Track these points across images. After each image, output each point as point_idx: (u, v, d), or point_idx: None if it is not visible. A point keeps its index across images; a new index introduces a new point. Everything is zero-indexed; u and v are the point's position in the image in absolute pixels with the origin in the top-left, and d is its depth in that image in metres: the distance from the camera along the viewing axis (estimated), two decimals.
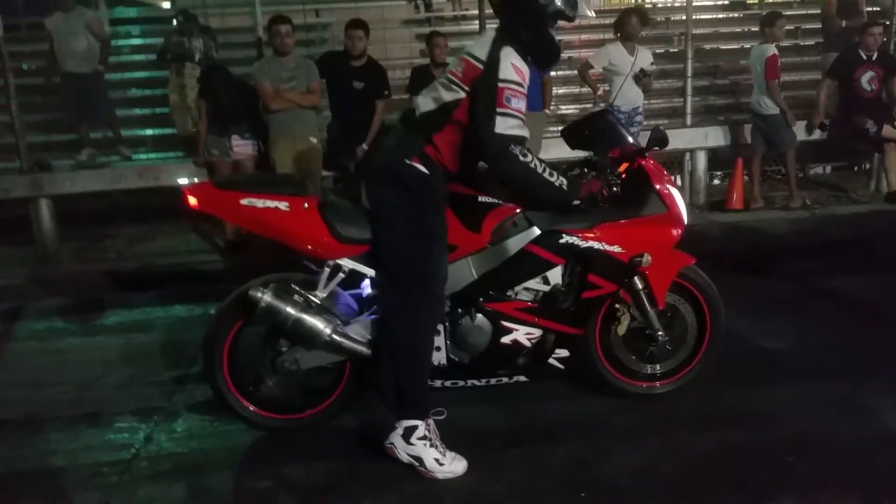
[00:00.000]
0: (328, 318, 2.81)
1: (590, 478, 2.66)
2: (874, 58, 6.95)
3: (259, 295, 2.72)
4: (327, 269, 2.84)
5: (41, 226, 6.57)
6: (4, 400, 3.54)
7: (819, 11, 8.80)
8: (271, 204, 2.76)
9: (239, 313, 2.89)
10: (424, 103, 2.79)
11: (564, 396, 3.27)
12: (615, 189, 2.96)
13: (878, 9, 8.65)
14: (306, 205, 2.81)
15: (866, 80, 6.93)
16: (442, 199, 2.77)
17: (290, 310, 2.74)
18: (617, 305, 3.10)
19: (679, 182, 7.93)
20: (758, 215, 6.92)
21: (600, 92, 6.80)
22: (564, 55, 9.40)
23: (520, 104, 2.58)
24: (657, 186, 2.97)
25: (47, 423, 3.25)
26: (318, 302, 2.84)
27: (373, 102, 6.26)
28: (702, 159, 7.47)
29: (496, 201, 2.84)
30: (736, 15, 11.38)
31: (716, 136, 7.46)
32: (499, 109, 2.54)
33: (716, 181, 8.34)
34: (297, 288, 2.82)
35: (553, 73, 7.20)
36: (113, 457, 2.96)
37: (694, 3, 7.97)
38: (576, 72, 7.20)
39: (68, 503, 2.67)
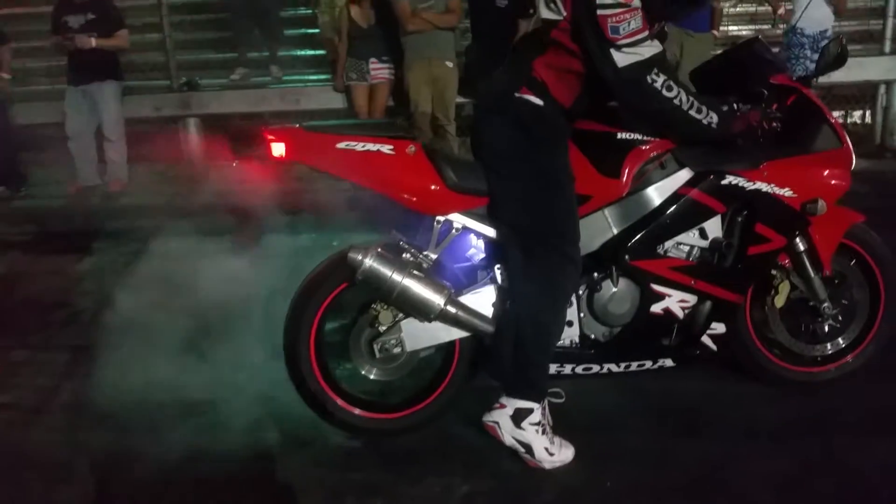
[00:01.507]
0: (441, 286, 2.36)
1: (718, 483, 2.25)
2: None
3: (359, 257, 2.29)
4: (437, 226, 2.40)
5: (189, 144, 6.76)
6: None
7: None
8: (372, 147, 2.34)
9: (330, 284, 2.46)
10: (531, 23, 2.37)
11: (710, 383, 2.77)
12: (775, 124, 2.44)
13: None
14: (412, 148, 2.40)
15: None
16: (564, 135, 2.33)
17: (396, 276, 2.29)
18: (774, 272, 2.59)
19: (870, 120, 6.89)
20: None
21: (781, 10, 5.93)
22: None
23: (632, 25, 2.08)
24: (828, 116, 2.48)
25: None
26: (429, 265, 2.38)
27: (516, 22, 5.77)
28: None
29: (638, 137, 2.36)
30: None
31: None
32: (609, 43, 2.09)
33: None
34: (406, 246, 2.42)
35: None
36: None
37: None
38: None
39: None
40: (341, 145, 2.34)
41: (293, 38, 8.29)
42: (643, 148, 2.36)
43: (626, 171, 2.35)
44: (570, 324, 2.44)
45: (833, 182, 2.46)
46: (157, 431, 2.58)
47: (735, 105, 2.38)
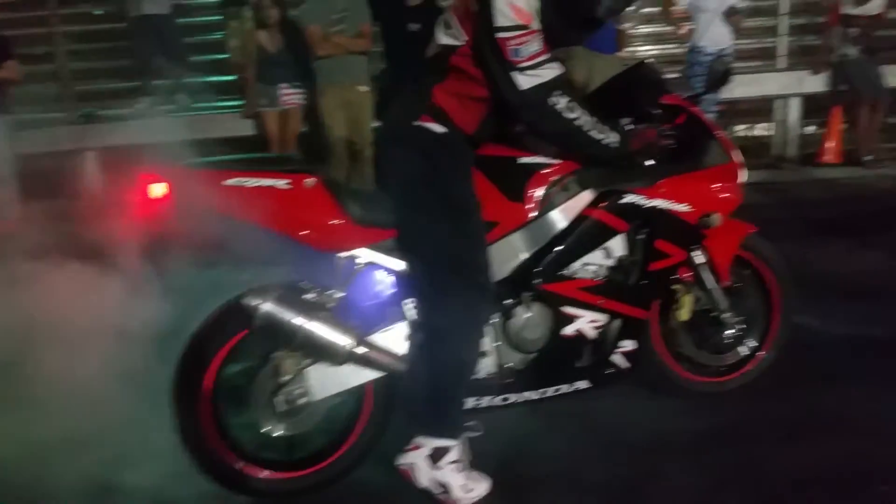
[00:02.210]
0: (348, 326, 2.21)
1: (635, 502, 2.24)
2: None
3: (257, 302, 2.11)
4: (341, 263, 2.26)
5: (88, 179, 6.43)
6: None
7: None
8: (265, 182, 2.16)
9: (225, 334, 2.25)
10: (430, 48, 2.32)
11: (622, 400, 2.74)
12: (670, 141, 2.47)
13: None
14: (311, 181, 2.25)
15: None
16: (467, 163, 2.29)
17: (298, 319, 2.13)
18: (676, 286, 2.64)
19: (769, 132, 7.21)
20: (855, 171, 6.16)
21: (684, 31, 6.15)
22: None
23: (533, 47, 2.06)
24: (716, 132, 2.58)
25: None
26: (333, 307, 2.22)
27: (429, 45, 5.77)
28: (795, 107, 6.70)
29: (540, 161, 2.36)
30: None
31: (812, 82, 6.64)
32: (510, 66, 2.07)
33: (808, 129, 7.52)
34: (308, 287, 2.25)
35: (632, 9, 6.53)
36: None
37: None
38: (658, 8, 6.52)
39: None
40: (230, 182, 2.15)
41: (201, 64, 8.11)
42: (546, 171, 2.36)
43: (531, 195, 2.34)
44: (486, 354, 2.37)
45: (725, 195, 2.54)
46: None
47: (632, 125, 2.42)
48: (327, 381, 2.27)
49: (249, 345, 2.28)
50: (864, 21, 6.22)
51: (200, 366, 2.22)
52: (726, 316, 2.66)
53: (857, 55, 6.26)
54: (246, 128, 6.30)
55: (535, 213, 2.36)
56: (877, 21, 6.31)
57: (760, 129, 7.50)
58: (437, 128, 2.21)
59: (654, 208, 2.43)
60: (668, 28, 6.74)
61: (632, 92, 2.51)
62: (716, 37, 5.83)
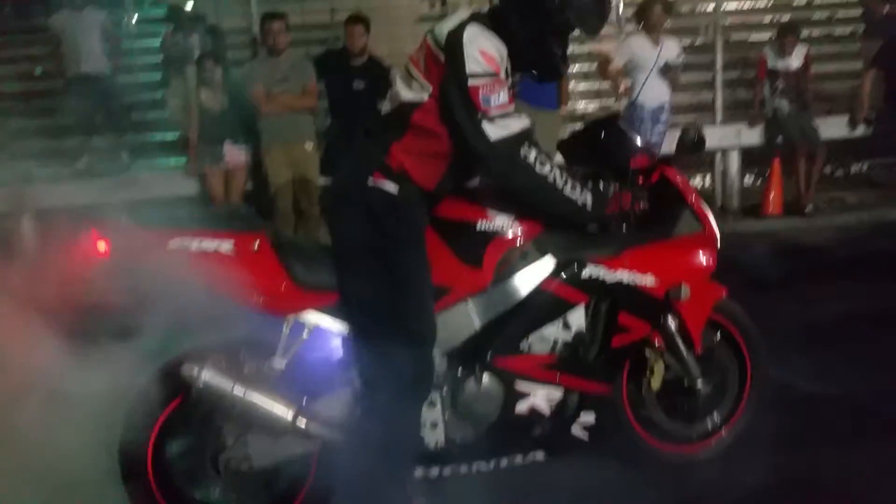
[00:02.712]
0: (290, 396, 2.16)
1: None
2: None
3: (194, 372, 2.06)
4: (286, 328, 2.19)
5: (24, 243, 6.17)
6: None
7: None
8: (209, 245, 2.11)
9: (166, 398, 2.18)
10: (385, 103, 2.25)
11: (584, 472, 2.55)
12: (643, 204, 2.39)
13: None
14: (256, 243, 2.19)
15: None
16: (419, 227, 2.21)
17: (238, 388, 2.08)
18: (647, 353, 2.54)
19: (710, 184, 7.38)
20: (798, 222, 6.32)
21: (622, 88, 6.25)
22: (584, 49, 8.90)
23: (501, 97, 2.04)
24: (688, 199, 2.46)
25: None
26: (276, 374, 2.18)
27: (375, 103, 5.76)
28: (735, 159, 6.88)
29: (499, 226, 2.27)
30: (766, 4, 10.82)
31: (750, 134, 6.83)
32: (480, 115, 2.03)
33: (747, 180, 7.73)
34: (247, 358, 2.19)
35: (572, 69, 6.68)
36: None
37: None
38: (595, 66, 6.66)
39: None
40: (174, 244, 2.10)
41: (142, 122, 7.95)
42: (505, 237, 2.28)
43: (488, 261, 2.25)
44: (435, 425, 2.29)
45: (696, 266, 2.43)
46: None
47: (607, 187, 2.34)
48: (269, 450, 2.19)
49: (188, 411, 2.20)
50: (789, 75, 6.46)
51: (140, 436, 2.17)
52: (698, 384, 2.56)
53: (789, 108, 6.49)
54: (189, 187, 6.14)
55: (491, 281, 2.27)
56: (802, 75, 6.56)
57: (701, 182, 7.69)
58: (391, 187, 2.14)
59: (617, 281, 2.32)
60: (606, 84, 6.87)
61: (606, 146, 2.45)
62: (654, 93, 5.90)
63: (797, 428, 2.83)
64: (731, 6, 9.81)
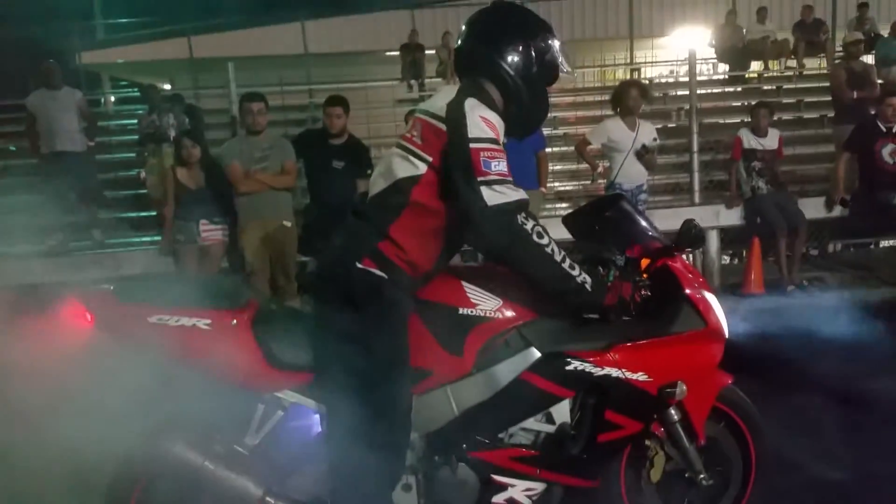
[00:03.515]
0: (261, 473, 2.14)
1: None
2: (894, 130, 6.47)
3: (166, 447, 2.08)
4: (261, 407, 2.20)
5: None
6: None
7: (826, 84, 8.48)
8: (188, 322, 2.11)
9: (139, 474, 2.19)
10: (375, 183, 2.19)
11: None
12: (645, 293, 2.27)
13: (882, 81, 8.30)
14: (234, 321, 2.16)
15: (888, 152, 6.44)
16: (404, 314, 2.12)
17: (208, 464, 2.08)
18: (647, 442, 2.41)
19: (692, 263, 7.38)
20: (780, 300, 6.28)
21: (600, 169, 6.32)
22: (560, 131, 9.07)
23: (501, 165, 2.01)
24: (689, 294, 2.32)
25: None
26: (247, 452, 2.17)
27: (354, 183, 5.75)
28: (714, 239, 6.90)
29: (481, 314, 2.18)
30: (736, 89, 11.19)
31: (728, 215, 6.88)
32: (480, 179, 1.97)
33: (725, 260, 7.74)
34: (220, 434, 2.18)
35: (549, 150, 6.76)
36: None
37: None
38: (572, 147, 6.74)
39: None
40: (153, 319, 2.10)
41: (118, 200, 7.90)
42: (487, 324, 2.18)
43: (469, 348, 2.16)
44: None
45: (694, 364, 2.32)
46: None
47: (607, 273, 2.25)
48: None
49: (161, 488, 2.17)
50: (765, 155, 6.56)
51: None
52: (701, 476, 2.42)
53: (767, 188, 6.56)
54: (162, 265, 6.02)
55: (472, 369, 2.17)
56: (777, 156, 6.67)
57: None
58: (378, 273, 2.07)
59: (604, 377, 2.21)
60: (583, 165, 6.93)
61: (603, 229, 2.39)
62: (631, 174, 5.92)
63: None
64: (703, 91, 10.16)
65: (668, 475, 2.44)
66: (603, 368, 2.19)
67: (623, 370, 2.20)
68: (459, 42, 2.29)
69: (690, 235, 2.33)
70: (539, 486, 2.25)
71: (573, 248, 2.51)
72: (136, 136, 7.78)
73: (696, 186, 7.06)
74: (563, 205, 7.96)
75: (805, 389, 4.02)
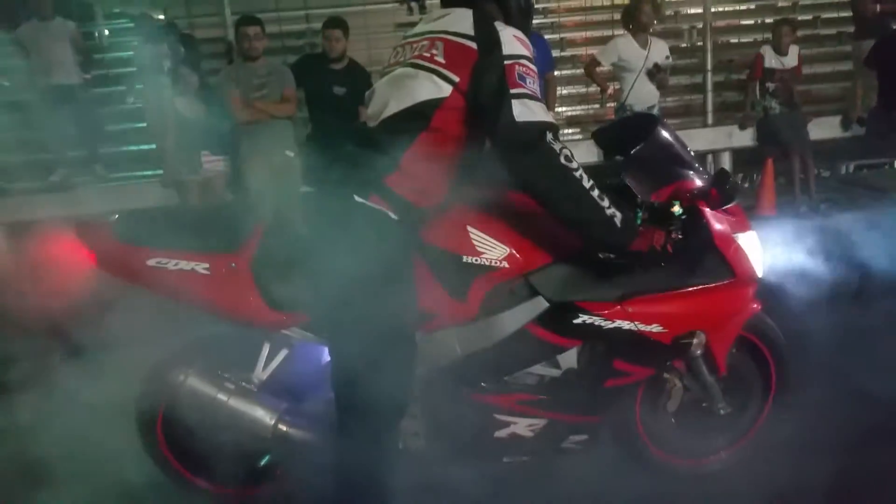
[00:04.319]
0: (270, 405, 2.24)
1: None
2: None
3: (180, 379, 2.19)
4: (267, 345, 2.28)
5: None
6: None
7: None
8: (186, 266, 2.10)
9: (158, 400, 2.32)
10: (385, 106, 2.00)
11: (580, 480, 2.44)
12: (676, 236, 2.06)
13: None
14: (233, 264, 2.12)
15: None
16: (411, 253, 2.03)
17: (221, 395, 2.21)
18: (666, 374, 2.36)
19: None
20: (792, 222, 6.17)
21: (610, 90, 6.13)
22: (567, 53, 8.79)
23: (534, 84, 1.89)
24: (719, 244, 2.19)
25: None
26: (256, 389, 2.28)
27: (356, 109, 5.60)
28: (727, 161, 6.77)
29: (486, 262, 2.07)
30: (750, 7, 10.77)
31: (741, 136, 6.72)
32: (513, 91, 1.84)
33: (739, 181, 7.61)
34: (226, 375, 2.26)
35: (556, 73, 6.54)
36: None
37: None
38: (581, 70, 6.52)
39: None
40: (152, 262, 2.11)
41: (118, 133, 7.77)
42: (492, 274, 2.09)
43: (473, 295, 2.09)
44: (417, 435, 2.23)
45: (717, 314, 2.22)
46: None
47: (636, 215, 2.08)
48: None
49: (181, 412, 2.28)
50: (784, 74, 6.35)
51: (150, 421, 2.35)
52: (719, 407, 2.39)
53: (780, 108, 6.38)
54: (166, 197, 5.96)
55: (477, 315, 2.10)
56: (796, 74, 6.47)
57: None
58: (385, 212, 1.94)
59: (615, 329, 2.11)
60: (593, 88, 6.74)
61: (631, 166, 2.21)
62: (642, 95, 5.75)
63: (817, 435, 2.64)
64: (718, 9, 9.78)
65: (685, 403, 2.41)
66: (614, 321, 2.11)
67: (636, 322, 2.12)
68: None
69: (724, 191, 2.13)
70: (542, 422, 2.22)
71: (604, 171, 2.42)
72: (131, 68, 7.59)
73: (710, 107, 6.86)
74: (571, 130, 7.79)
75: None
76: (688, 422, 2.48)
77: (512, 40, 1.91)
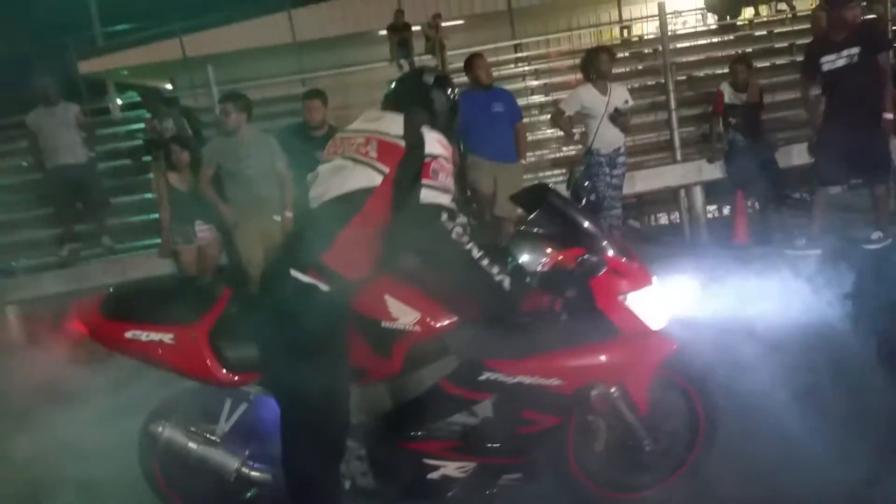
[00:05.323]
0: (234, 453, 2.59)
1: None
2: None
3: (159, 430, 2.55)
4: (229, 400, 2.63)
5: (9, 333, 6.32)
6: None
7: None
8: (155, 337, 2.50)
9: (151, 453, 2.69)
10: (324, 189, 2.35)
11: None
12: (570, 295, 2.37)
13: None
14: (194, 334, 2.50)
15: None
16: (343, 322, 2.35)
17: (192, 444, 2.56)
18: (590, 417, 2.55)
19: (678, 219, 7.49)
20: (765, 250, 6.34)
21: (576, 136, 6.41)
22: (551, 97, 9.11)
23: (447, 180, 2.26)
24: (603, 308, 2.44)
25: None
26: (219, 440, 2.62)
27: None
28: (698, 195, 6.99)
29: (401, 327, 2.36)
30: (728, 37, 11.09)
31: (710, 169, 6.96)
32: (424, 181, 2.23)
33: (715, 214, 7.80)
34: (194, 430, 2.62)
35: (543, 117, 6.83)
36: None
37: (679, 32, 7.64)
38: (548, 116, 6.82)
39: None
40: (129, 335, 2.51)
41: (126, 205, 8.16)
42: (409, 334, 2.36)
43: (397, 353, 2.38)
44: (365, 475, 2.51)
45: (615, 366, 2.42)
46: None
47: (531, 280, 2.35)
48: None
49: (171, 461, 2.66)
50: (745, 110, 6.61)
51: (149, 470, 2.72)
52: (645, 443, 2.55)
53: (744, 141, 6.62)
54: (163, 267, 6.29)
55: (401, 370, 2.40)
56: (757, 108, 6.71)
57: (668, 219, 7.80)
58: (322, 286, 2.26)
59: (517, 384, 2.37)
60: (560, 133, 6.98)
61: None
62: (607, 138, 5.99)
63: (748, 465, 2.78)
64: (690, 43, 10.10)
65: (613, 442, 2.58)
66: (516, 377, 2.36)
67: (536, 377, 2.36)
68: (396, 84, 2.57)
69: (590, 265, 2.44)
70: (471, 465, 2.48)
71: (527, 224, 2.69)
72: (132, 144, 7.99)
73: (677, 144, 7.10)
74: (557, 171, 8.03)
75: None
76: (619, 458, 2.66)
77: (433, 142, 2.29)
